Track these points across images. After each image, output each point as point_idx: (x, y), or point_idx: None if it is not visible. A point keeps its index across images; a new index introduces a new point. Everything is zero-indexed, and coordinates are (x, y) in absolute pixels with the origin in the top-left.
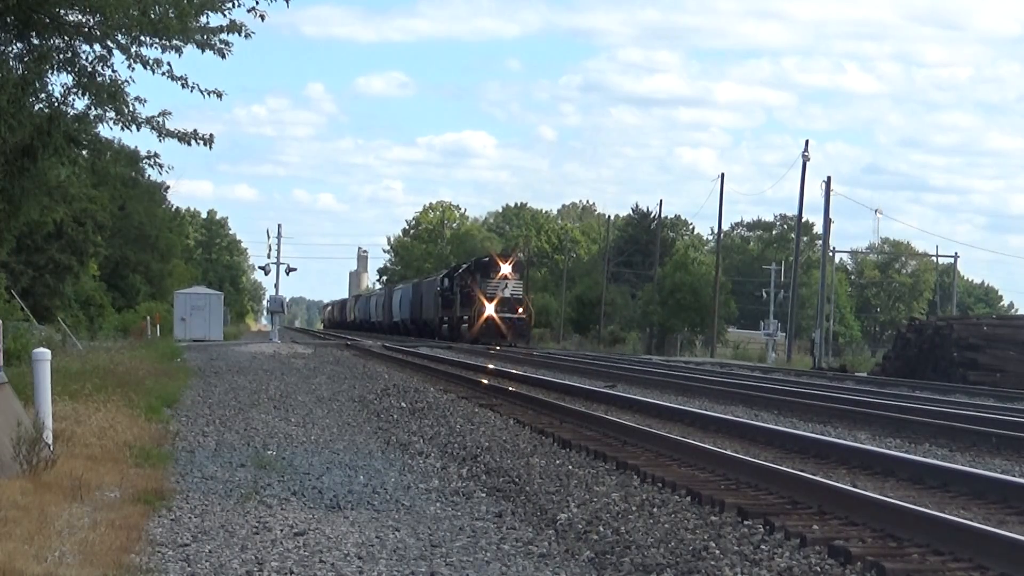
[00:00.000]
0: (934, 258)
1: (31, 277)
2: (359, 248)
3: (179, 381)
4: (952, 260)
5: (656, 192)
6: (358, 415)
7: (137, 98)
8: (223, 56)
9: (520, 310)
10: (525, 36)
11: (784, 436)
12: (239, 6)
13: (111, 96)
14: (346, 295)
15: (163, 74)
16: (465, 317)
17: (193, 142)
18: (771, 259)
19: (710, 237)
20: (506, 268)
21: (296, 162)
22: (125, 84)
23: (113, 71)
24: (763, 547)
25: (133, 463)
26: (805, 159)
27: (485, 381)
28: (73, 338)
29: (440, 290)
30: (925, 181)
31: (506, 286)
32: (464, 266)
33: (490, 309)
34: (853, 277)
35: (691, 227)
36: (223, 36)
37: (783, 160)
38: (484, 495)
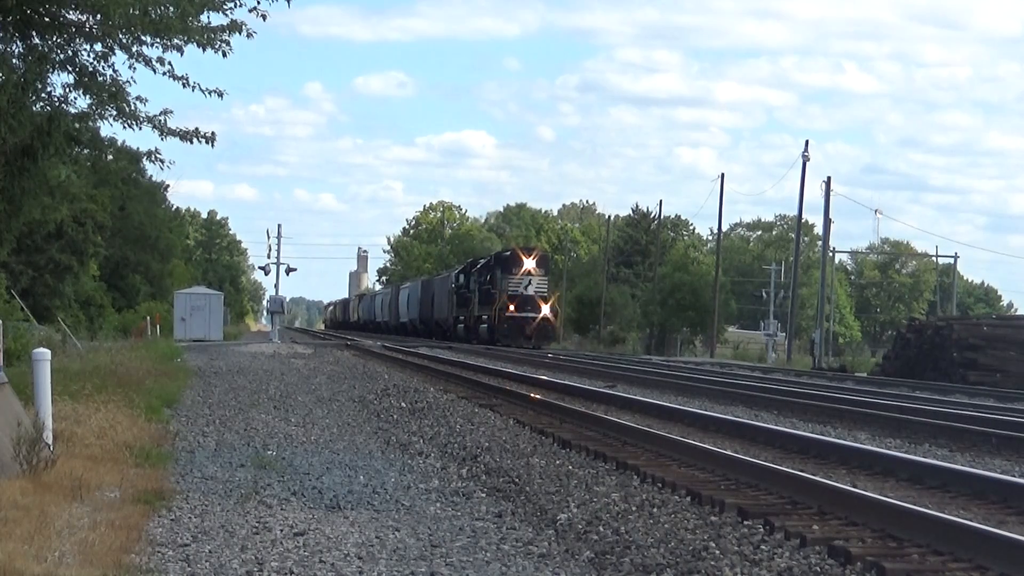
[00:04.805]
0: (934, 258)
1: (31, 277)
2: (359, 248)
3: (179, 381)
4: (952, 260)
5: (656, 192)
6: (358, 415)
7: (138, 97)
8: (224, 55)
9: (545, 309)
10: (524, 36)
11: (784, 436)
12: (240, 6)
13: (112, 96)
14: (346, 295)
15: (164, 73)
16: (484, 316)
17: (195, 140)
18: (771, 259)
19: (710, 237)
20: (529, 263)
21: (296, 162)
22: (127, 84)
23: (114, 70)
24: (763, 547)
25: (133, 463)
26: (805, 159)
27: (485, 381)
28: (73, 338)
29: (455, 287)
30: (925, 181)
31: (529, 283)
32: (483, 261)
33: (512, 308)
34: (853, 277)
35: (691, 227)
36: (224, 36)
37: (783, 160)
38: (484, 495)
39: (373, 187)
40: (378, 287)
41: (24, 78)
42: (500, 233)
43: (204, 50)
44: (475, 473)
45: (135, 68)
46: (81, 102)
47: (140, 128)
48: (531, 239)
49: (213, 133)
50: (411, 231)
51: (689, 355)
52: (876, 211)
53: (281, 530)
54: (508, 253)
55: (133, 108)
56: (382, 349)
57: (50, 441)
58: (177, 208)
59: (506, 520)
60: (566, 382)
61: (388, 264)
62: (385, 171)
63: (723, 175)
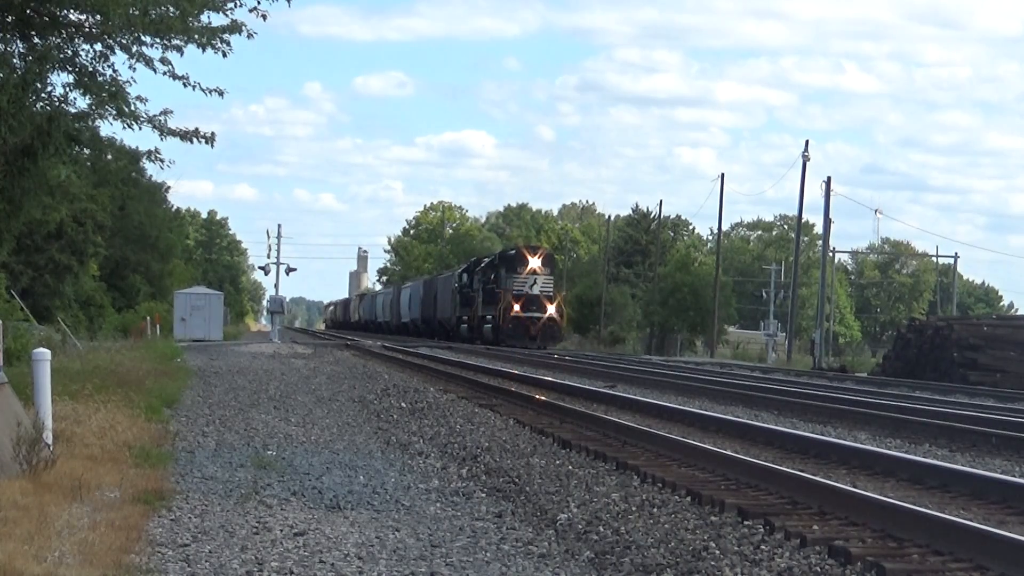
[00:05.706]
0: (934, 258)
1: (31, 277)
2: (359, 248)
3: (179, 381)
4: (952, 260)
5: (656, 192)
6: (358, 415)
7: (138, 97)
8: (224, 55)
9: (550, 309)
10: (524, 36)
11: (784, 436)
12: (240, 6)
13: (112, 96)
14: (346, 295)
15: (164, 73)
16: (488, 317)
17: (195, 140)
18: (771, 259)
19: (710, 237)
20: (535, 262)
21: (295, 162)
22: (127, 84)
23: (114, 70)
24: (763, 547)
25: (133, 463)
26: (805, 159)
27: (485, 381)
28: (73, 338)
29: (458, 287)
30: (925, 181)
31: (535, 282)
32: (487, 260)
33: (517, 308)
34: (853, 277)
35: (691, 227)
36: (224, 36)
37: (783, 160)
38: (484, 495)
39: (373, 187)
40: (378, 287)
41: (24, 78)
42: (500, 233)
43: (204, 50)
44: (475, 473)
45: (135, 68)
46: (81, 102)
47: (140, 128)
48: (531, 239)
49: (213, 133)
50: (411, 231)
51: (689, 355)
52: (876, 211)
53: (281, 530)
54: (513, 252)
55: (133, 108)
56: (382, 349)
57: (50, 441)
58: (177, 208)
59: (506, 520)
60: (566, 382)
61: (388, 264)
62: (385, 171)
63: (723, 175)
